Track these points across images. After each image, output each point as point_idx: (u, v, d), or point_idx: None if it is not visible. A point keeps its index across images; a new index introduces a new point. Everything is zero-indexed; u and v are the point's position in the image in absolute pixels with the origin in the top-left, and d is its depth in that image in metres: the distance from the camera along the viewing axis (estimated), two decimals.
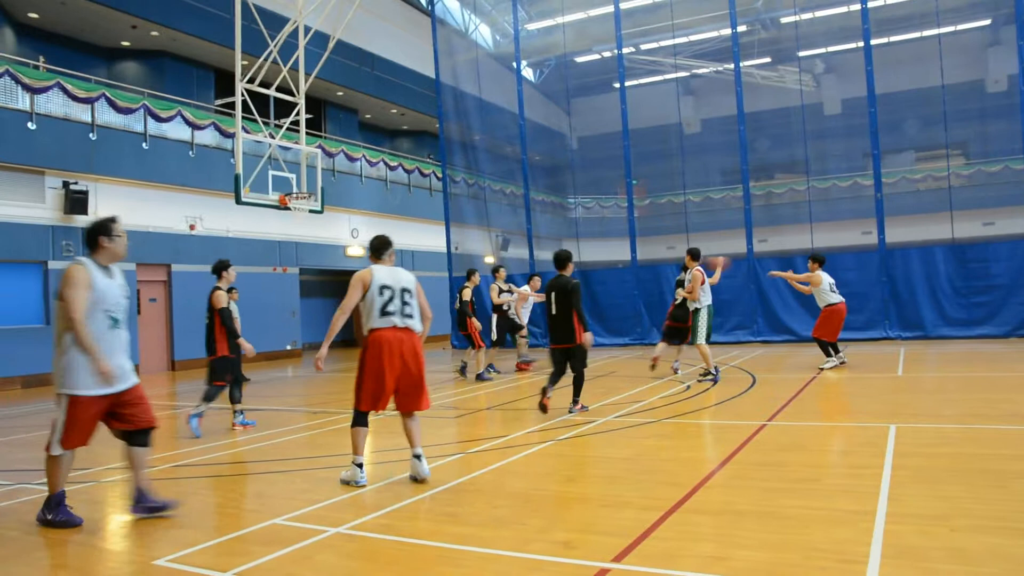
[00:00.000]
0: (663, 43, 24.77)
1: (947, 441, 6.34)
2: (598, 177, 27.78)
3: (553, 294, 8.48)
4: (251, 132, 16.52)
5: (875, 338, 16.58)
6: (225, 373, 8.55)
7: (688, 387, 10.41)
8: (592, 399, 9.69)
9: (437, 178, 26.32)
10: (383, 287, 5.54)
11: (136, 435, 5.02)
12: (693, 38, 24.87)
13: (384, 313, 5.51)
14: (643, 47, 26.05)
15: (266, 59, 15.29)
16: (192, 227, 19.03)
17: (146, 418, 5.02)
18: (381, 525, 4.64)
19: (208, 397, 8.52)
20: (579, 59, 26.97)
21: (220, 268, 8.72)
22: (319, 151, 17.30)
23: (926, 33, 21.82)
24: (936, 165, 23.53)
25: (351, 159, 24.07)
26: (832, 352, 12.04)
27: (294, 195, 15.53)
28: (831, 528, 4.16)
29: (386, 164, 25.61)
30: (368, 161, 24.77)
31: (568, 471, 5.88)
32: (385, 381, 5.49)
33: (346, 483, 5.66)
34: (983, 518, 4.21)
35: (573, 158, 27.11)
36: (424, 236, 26.49)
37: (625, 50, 21.14)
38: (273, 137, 16.18)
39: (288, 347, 21.63)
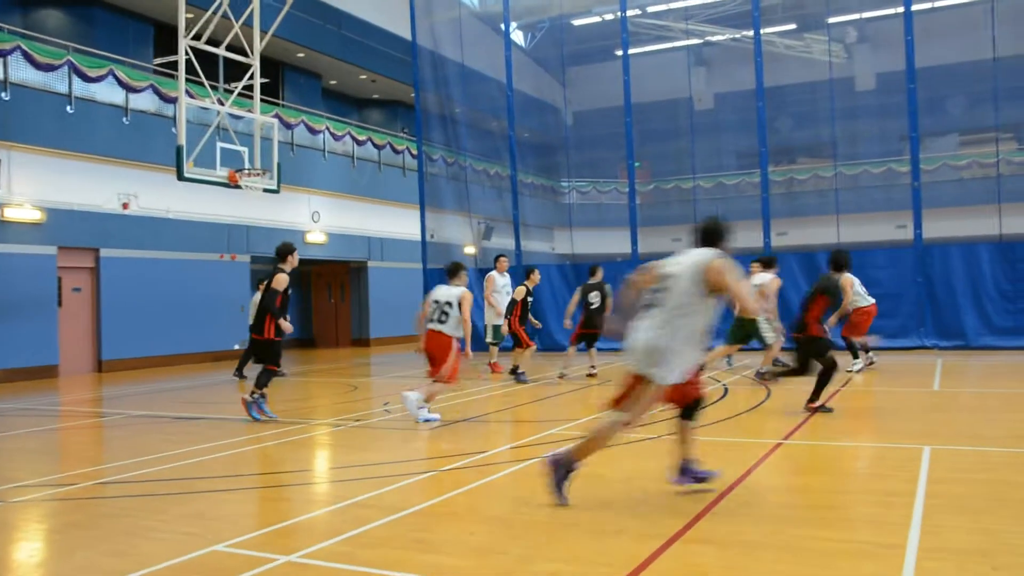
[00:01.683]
0: (673, 5, 24.83)
1: (989, 466, 6.39)
2: (596, 158, 27.81)
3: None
4: (196, 97, 16.40)
5: (908, 347, 16.69)
6: (278, 356, 9.77)
7: None
8: (582, 412, 9.69)
9: (412, 155, 26.24)
10: (434, 301, 9.18)
11: (688, 409, 5.67)
12: (707, 0, 24.93)
13: (429, 320, 9.12)
14: (650, 9, 26.07)
15: (215, 12, 15.18)
16: (125, 205, 18.88)
17: (695, 393, 5.69)
18: (340, 553, 4.62)
19: (262, 383, 9.63)
20: (576, 22, 26.99)
21: (286, 252, 9.96)
22: (276, 121, 17.21)
23: None
24: (983, 150, 23.67)
25: (313, 131, 23.95)
26: (858, 355, 13.14)
27: (246, 171, 15.42)
28: (855, 563, 4.18)
29: (353, 138, 25.50)
30: (332, 134, 24.65)
31: None
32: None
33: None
34: None
35: (568, 136, 27.11)
36: (395, 221, 26.44)
37: (629, 12, 21.15)
38: (222, 104, 16.06)
39: (236, 347, 21.48)
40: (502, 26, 22.08)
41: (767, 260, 12.73)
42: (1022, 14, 23.44)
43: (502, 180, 22.44)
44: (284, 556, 4.54)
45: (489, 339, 15.27)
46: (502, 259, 15.36)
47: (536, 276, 14.11)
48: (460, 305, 9.02)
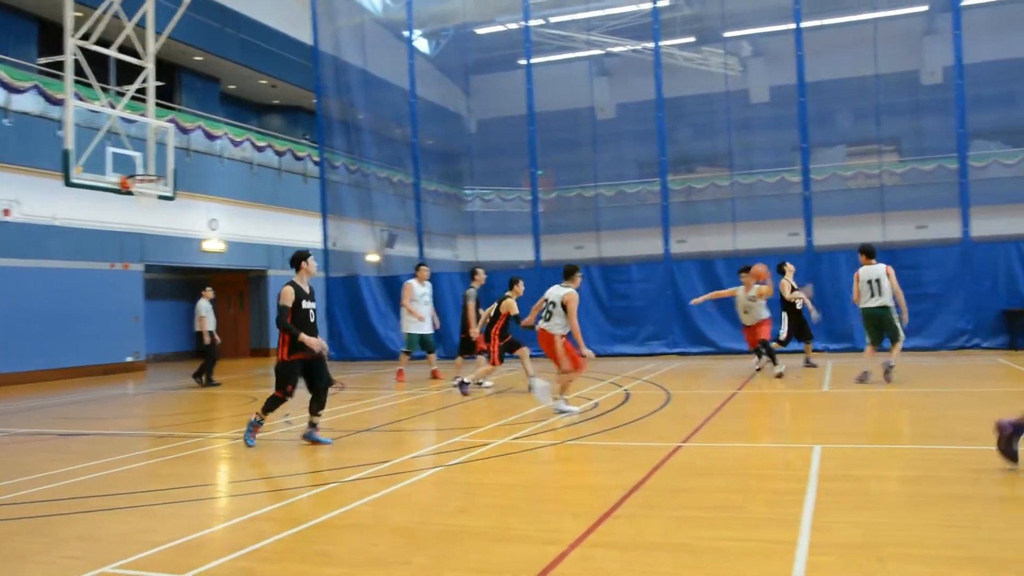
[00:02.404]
0: (575, 16, 25.12)
1: (874, 463, 6.68)
2: (499, 166, 27.92)
3: None
4: (86, 99, 15.82)
5: (800, 350, 17.28)
6: (286, 381, 8.33)
7: (596, 404, 10.59)
8: (487, 419, 9.72)
9: (313, 162, 25.89)
10: (545, 300, 10.02)
11: None
12: (609, 11, 25.34)
13: (538, 318, 10.03)
14: (553, 20, 26.35)
15: (105, 11, 14.68)
16: (6, 212, 18.03)
17: None
18: (238, 569, 4.51)
19: (266, 406, 8.45)
20: (480, 30, 27.07)
21: (299, 259, 8.48)
22: (171, 126, 16.74)
23: (860, 17, 22.96)
24: (868, 161, 24.77)
25: (211, 137, 23.38)
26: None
27: (139, 177, 14.97)
28: (750, 561, 4.31)
29: (253, 144, 25.02)
30: (231, 140, 24.12)
31: (458, 501, 5.88)
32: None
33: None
34: (911, 546, 4.45)
35: (471, 143, 27.18)
36: (296, 229, 25.96)
37: (533, 22, 21.37)
38: (114, 107, 15.54)
39: (129, 359, 20.80)
40: (405, 33, 22.01)
41: (869, 250, 12.31)
42: (902, 34, 24.69)
43: (405, 188, 22.34)
44: (178, 575, 4.41)
45: (404, 348, 15.10)
46: (422, 268, 15.09)
47: (520, 287, 12.56)
48: (564, 306, 9.65)
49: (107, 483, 7.03)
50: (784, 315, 14.26)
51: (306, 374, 8.42)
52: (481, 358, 13.16)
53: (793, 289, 14.17)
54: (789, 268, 14.51)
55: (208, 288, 16.34)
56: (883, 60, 19.47)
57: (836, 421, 9.10)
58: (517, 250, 22.00)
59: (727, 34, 23.79)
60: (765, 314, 13.42)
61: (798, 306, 14.20)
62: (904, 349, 16.58)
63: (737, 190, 22.31)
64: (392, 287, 19.98)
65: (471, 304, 13.61)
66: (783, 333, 14.18)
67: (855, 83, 21.82)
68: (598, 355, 13.61)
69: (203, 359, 15.93)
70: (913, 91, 25.13)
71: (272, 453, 8.45)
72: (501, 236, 25.42)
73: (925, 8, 25.38)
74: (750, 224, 21.25)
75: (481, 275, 13.99)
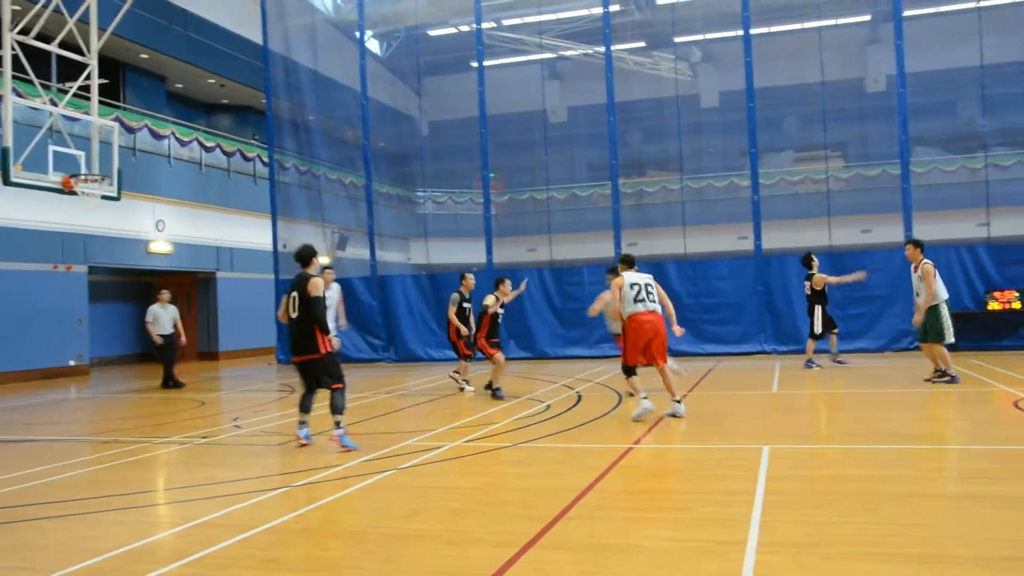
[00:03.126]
0: (528, 19, 25.21)
1: (822, 463, 6.80)
2: (451, 168, 27.89)
3: None
4: (25, 96, 15.45)
5: (750, 352, 17.55)
6: (340, 371, 8.26)
7: (548, 407, 10.62)
8: (438, 422, 9.69)
9: (263, 163, 25.60)
10: (632, 284, 9.27)
11: None
12: (561, 15, 25.48)
13: (637, 301, 9.17)
14: (505, 22, 26.41)
15: (45, 6, 14.36)
16: None
17: None
18: None
19: (336, 407, 8.10)
20: (432, 32, 27.03)
21: (309, 255, 8.33)
22: (116, 124, 16.44)
23: (806, 25, 23.40)
24: (815, 166, 25.24)
25: (157, 136, 22.98)
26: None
27: (82, 177, 14.66)
28: (700, 561, 4.36)
29: (200, 144, 24.65)
30: (178, 139, 23.74)
31: (410, 505, 5.86)
32: (640, 346, 9.16)
33: (638, 419, 9.01)
34: (855, 544, 4.54)
35: (423, 145, 27.09)
36: (245, 231, 25.66)
37: (485, 25, 21.40)
38: (56, 104, 15.20)
39: (71, 362, 20.33)
40: (357, 34, 21.88)
41: (918, 242, 12.11)
42: (847, 43, 25.20)
43: (357, 189, 22.22)
44: None
45: None
46: (327, 272, 14.87)
47: (506, 287, 12.63)
48: (656, 286, 9.55)
49: (50, 490, 6.87)
50: (817, 308, 14.41)
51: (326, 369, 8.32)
52: (464, 362, 13.42)
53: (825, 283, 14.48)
54: (815, 261, 14.72)
55: (163, 292, 16.26)
56: (829, 68, 19.89)
57: (785, 422, 9.25)
58: (469, 252, 22.00)
59: (678, 39, 24.04)
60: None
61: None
62: (849, 351, 17.02)
63: (687, 194, 22.55)
64: (343, 290, 19.81)
65: (452, 308, 13.54)
66: (818, 327, 14.36)
67: (802, 89, 22.21)
68: (549, 357, 13.71)
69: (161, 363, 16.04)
70: (858, 98, 25.65)
71: (219, 458, 8.34)
72: (453, 238, 25.41)
73: (868, 18, 25.95)
74: (700, 228, 21.50)
75: (469, 280, 13.84)
